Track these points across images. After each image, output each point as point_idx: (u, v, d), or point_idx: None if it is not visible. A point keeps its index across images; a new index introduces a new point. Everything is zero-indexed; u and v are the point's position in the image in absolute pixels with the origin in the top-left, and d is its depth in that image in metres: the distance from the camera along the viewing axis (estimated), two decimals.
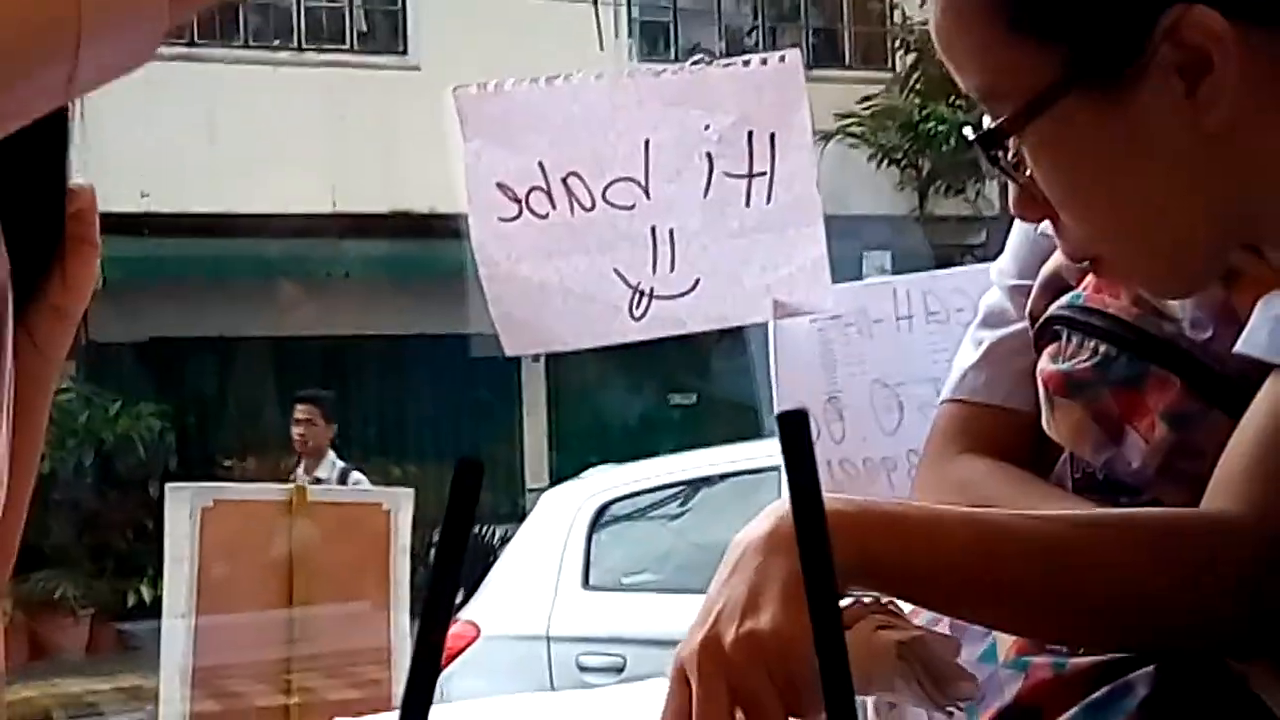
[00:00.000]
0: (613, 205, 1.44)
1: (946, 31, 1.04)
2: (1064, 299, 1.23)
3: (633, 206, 1.45)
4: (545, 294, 1.45)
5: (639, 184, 1.44)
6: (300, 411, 7.69)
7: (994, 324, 1.34)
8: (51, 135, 1.01)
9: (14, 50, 0.68)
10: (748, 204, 1.45)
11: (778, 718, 0.99)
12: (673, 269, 1.44)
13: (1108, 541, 1.08)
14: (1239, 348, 1.10)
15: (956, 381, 1.35)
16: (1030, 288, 1.29)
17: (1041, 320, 1.25)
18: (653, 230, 1.44)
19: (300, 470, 7.47)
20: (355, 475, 7.35)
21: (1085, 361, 1.19)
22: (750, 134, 1.44)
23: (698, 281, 1.44)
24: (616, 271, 1.45)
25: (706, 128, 1.45)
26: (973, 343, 1.34)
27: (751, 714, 1.00)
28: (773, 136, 1.44)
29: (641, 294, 1.44)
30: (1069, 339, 1.21)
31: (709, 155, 1.45)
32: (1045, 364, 1.23)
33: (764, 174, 1.45)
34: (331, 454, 7.55)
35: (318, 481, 7.04)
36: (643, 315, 1.44)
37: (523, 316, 1.45)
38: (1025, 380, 1.28)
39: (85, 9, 0.68)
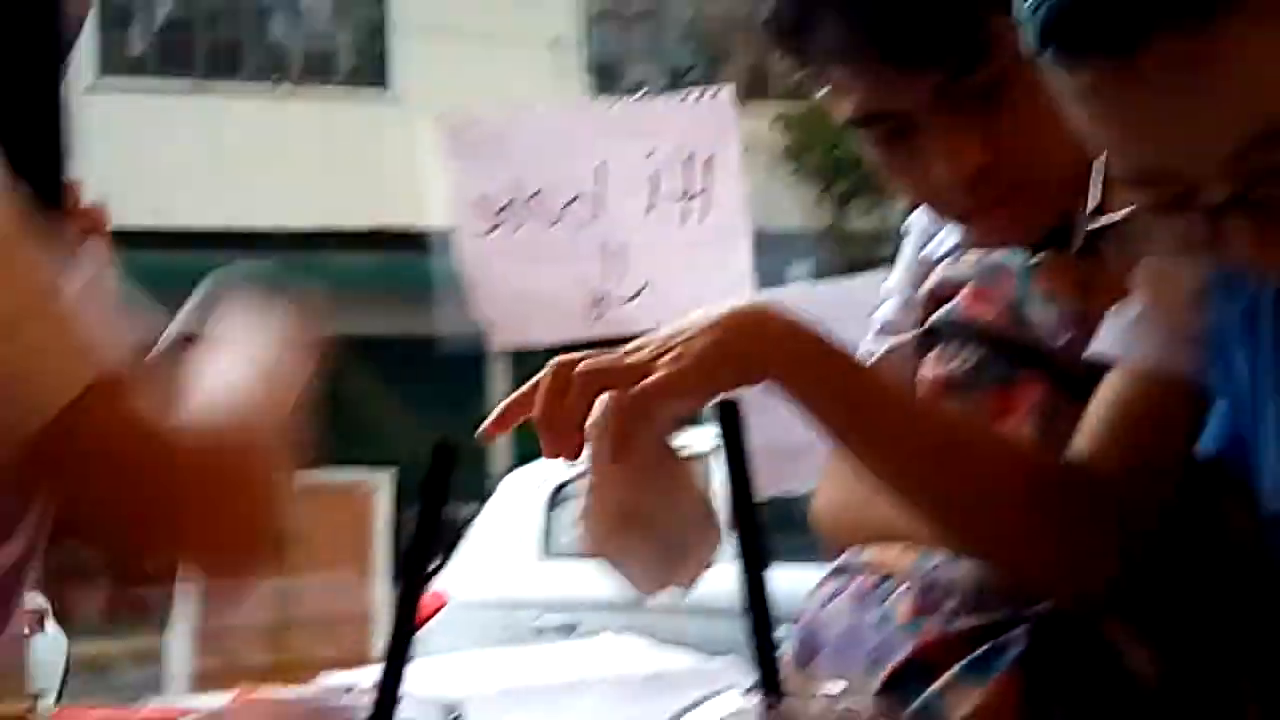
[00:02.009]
0: (573, 221, 1.44)
1: None
2: (943, 310, 1.24)
3: (590, 220, 1.44)
4: (521, 297, 1.45)
5: (595, 202, 1.44)
6: None
7: (887, 333, 1.34)
8: (49, 146, 1.01)
9: None
10: (683, 222, 1.45)
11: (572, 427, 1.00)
12: (623, 277, 1.44)
13: (997, 450, 1.10)
14: (1093, 349, 1.12)
15: None
16: (915, 301, 1.30)
17: (924, 329, 1.26)
18: (605, 244, 1.44)
19: None
20: None
21: (962, 365, 1.20)
22: (689, 158, 1.44)
23: (643, 288, 1.44)
24: (578, 279, 1.44)
25: (650, 154, 1.45)
26: (867, 353, 1.34)
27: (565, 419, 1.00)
28: (708, 161, 1.44)
29: (598, 299, 1.44)
30: (948, 345, 1.22)
31: (651, 178, 1.45)
32: (928, 368, 1.23)
33: (699, 194, 1.45)
34: None
35: None
36: (599, 317, 1.44)
37: (502, 317, 1.45)
38: (913, 384, 1.28)
39: None
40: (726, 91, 1.48)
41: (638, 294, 1.45)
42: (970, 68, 1.10)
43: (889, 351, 1.32)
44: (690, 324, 1.05)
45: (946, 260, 1.27)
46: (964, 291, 1.22)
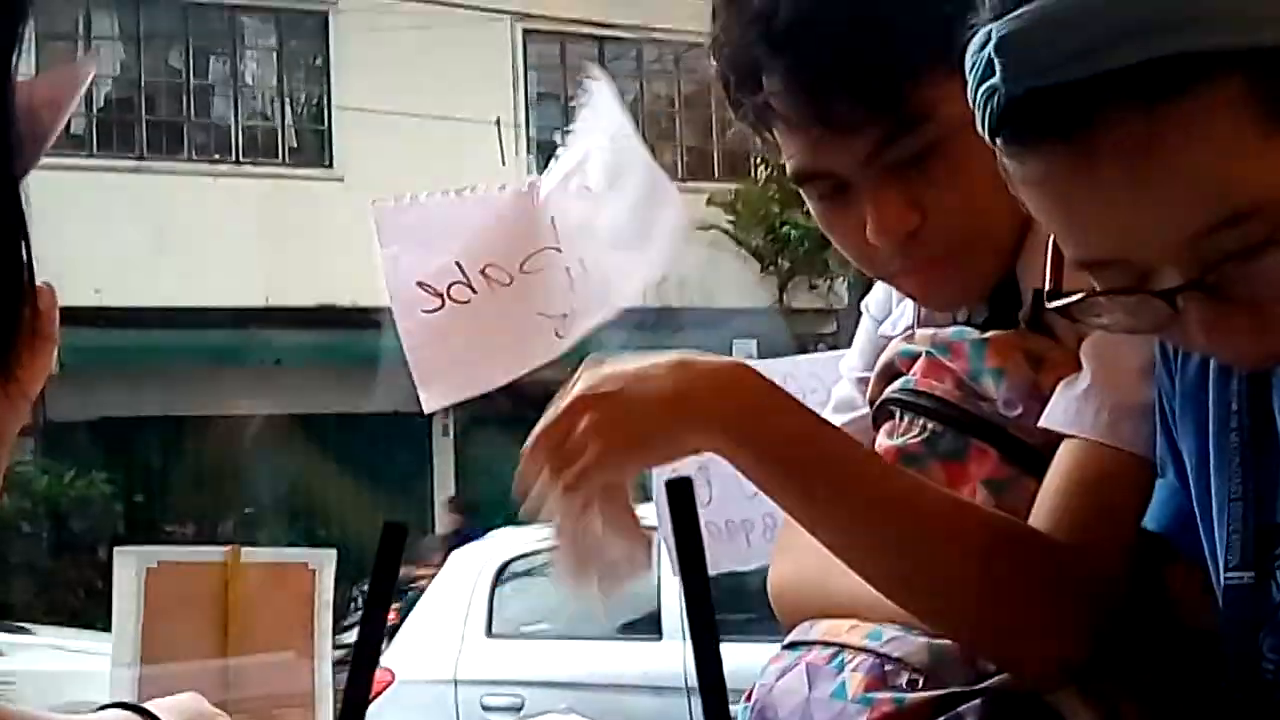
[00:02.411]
0: (529, 272, 1.45)
1: None
2: (897, 383, 1.25)
3: (549, 263, 1.45)
4: (468, 356, 1.45)
5: (552, 248, 1.45)
6: None
7: (843, 409, 1.35)
8: (7, 238, 0.98)
9: None
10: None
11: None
12: (586, 284, 1.45)
13: (955, 513, 1.10)
14: (1043, 422, 1.12)
15: None
16: (871, 378, 1.31)
17: (879, 403, 1.27)
18: (566, 269, 1.45)
19: None
20: None
21: (915, 437, 1.21)
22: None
23: (609, 279, 1.45)
24: (540, 314, 1.45)
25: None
26: None
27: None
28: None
29: (563, 316, 1.45)
30: (901, 418, 1.23)
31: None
32: (881, 439, 1.24)
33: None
34: None
35: None
36: (566, 333, 1.45)
37: (444, 375, 1.45)
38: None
39: None
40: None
41: (594, 302, 1.46)
42: (901, 133, 1.13)
43: (844, 428, 1.33)
44: (631, 380, 1.07)
45: (901, 336, 1.29)
46: (917, 365, 1.23)
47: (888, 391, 1.25)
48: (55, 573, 11.59)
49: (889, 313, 1.34)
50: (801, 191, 1.21)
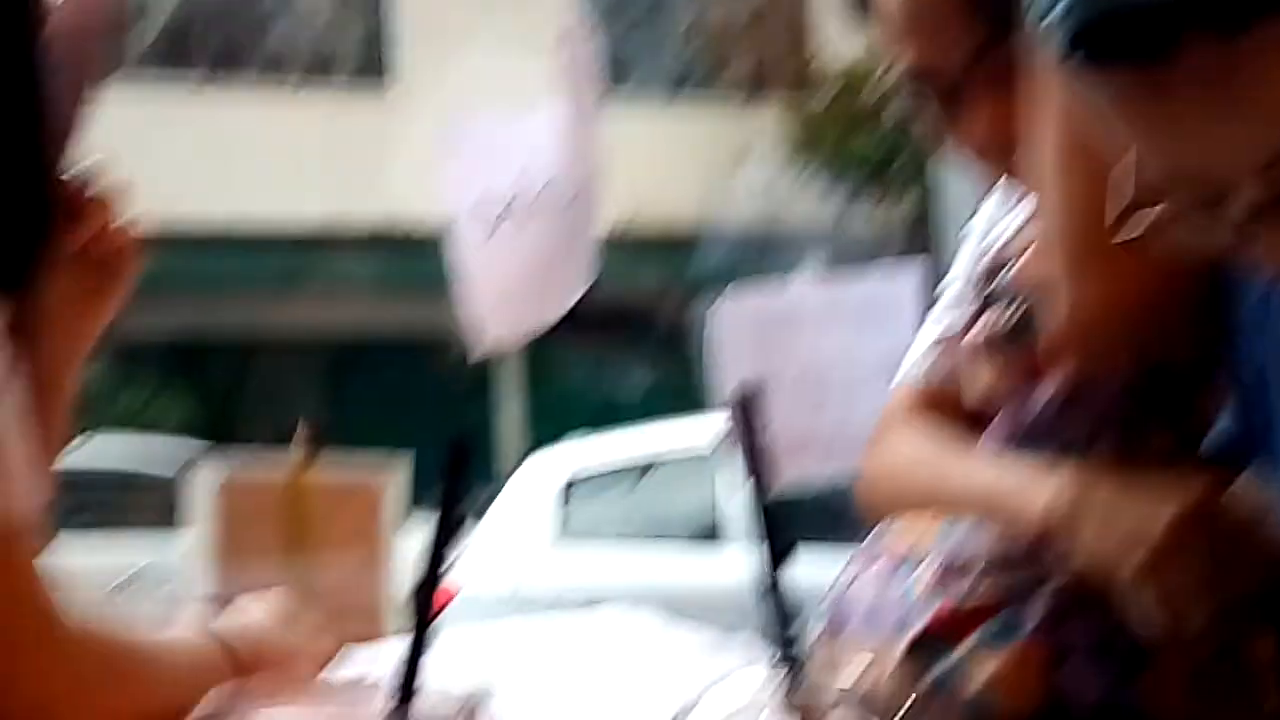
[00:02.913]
0: (578, 201, 1.45)
1: None
2: (996, 278, 1.27)
3: (590, 191, 1.45)
4: (520, 293, 1.44)
5: (596, 176, 1.45)
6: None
7: (938, 322, 1.39)
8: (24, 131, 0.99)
9: None
10: None
11: None
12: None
13: None
14: None
15: (905, 370, 1.40)
16: (969, 293, 1.34)
17: (977, 298, 1.29)
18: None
19: None
20: None
21: (1005, 325, 1.23)
22: None
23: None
24: (584, 245, 1.45)
25: None
26: (920, 340, 1.39)
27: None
28: None
29: (600, 245, 1.45)
30: (996, 307, 1.25)
31: None
32: (977, 329, 1.26)
33: None
34: None
35: None
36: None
37: (495, 316, 1.45)
38: (961, 366, 1.32)
39: None
40: None
41: (624, 219, 1.46)
42: (1008, 35, 1.14)
43: (938, 339, 1.36)
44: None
45: (1004, 240, 1.31)
46: (1018, 259, 1.25)
47: (988, 289, 1.28)
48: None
49: (995, 222, 1.37)
50: (913, 93, 1.24)
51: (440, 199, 1.45)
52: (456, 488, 0.59)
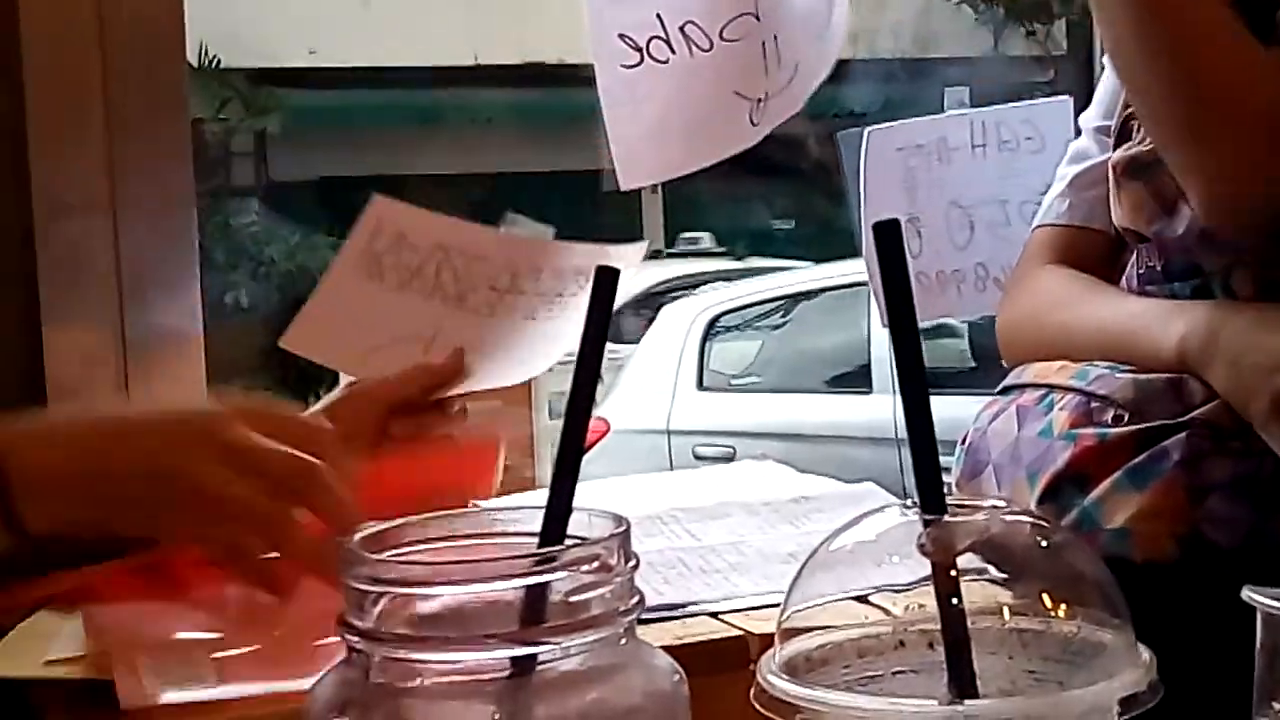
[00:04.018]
0: (729, 40, 1.43)
1: None
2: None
3: (747, 33, 1.43)
4: (665, 128, 1.44)
5: (752, 15, 1.43)
6: None
7: (1077, 160, 1.36)
8: None
9: None
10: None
11: None
12: (779, 67, 1.43)
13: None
14: None
15: (1045, 209, 1.38)
16: (1109, 123, 1.31)
17: (1117, 128, 1.27)
18: (763, 45, 1.43)
19: None
20: None
21: (1144, 153, 1.20)
22: None
23: (796, 68, 1.43)
24: (736, 93, 1.43)
25: None
26: (1059, 178, 1.36)
27: None
28: None
29: (759, 100, 1.43)
30: (1136, 131, 1.22)
31: None
32: (1116, 154, 1.24)
33: None
34: None
35: None
36: (760, 119, 1.44)
37: (642, 151, 1.45)
38: (1101, 206, 1.30)
39: None
40: None
41: (790, 80, 1.44)
42: None
43: (1078, 177, 1.34)
44: None
45: None
46: None
47: (1128, 112, 1.25)
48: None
49: None
50: None
51: (585, 33, 1.45)
52: (602, 318, 0.60)
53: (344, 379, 1.36)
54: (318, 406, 1.27)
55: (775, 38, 1.43)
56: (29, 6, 1.41)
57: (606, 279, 0.60)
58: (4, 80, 1.40)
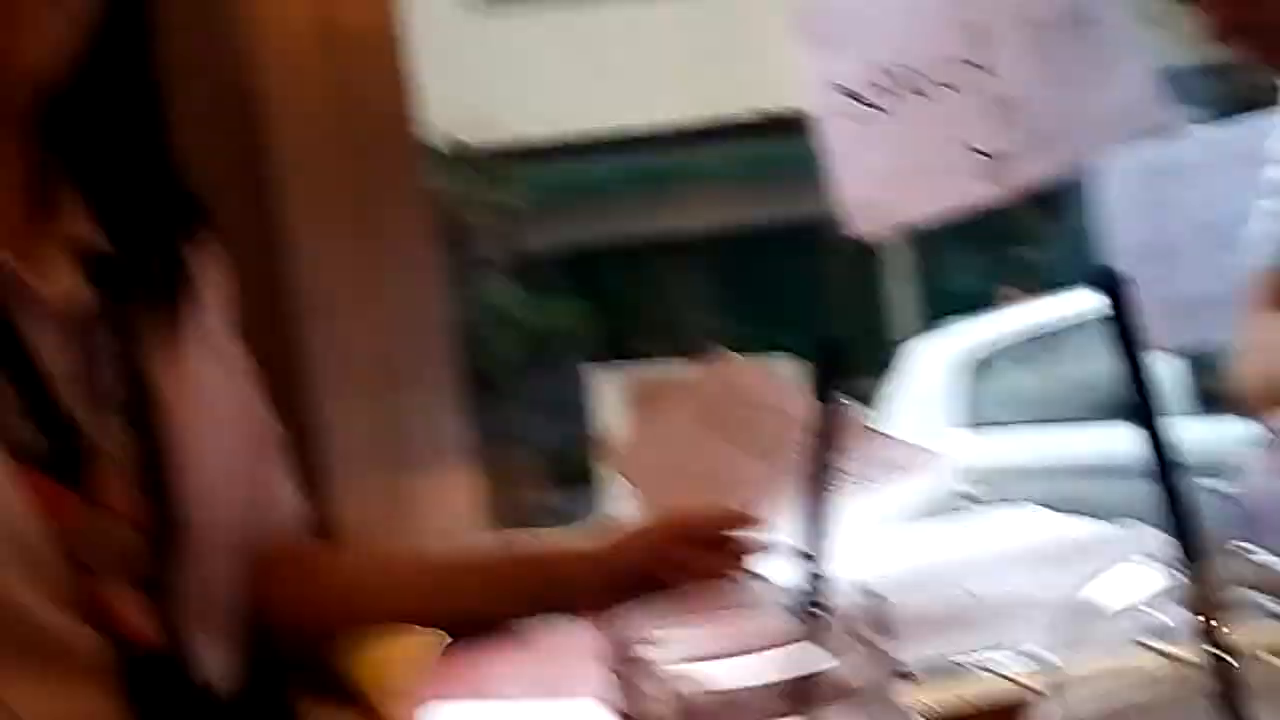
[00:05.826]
0: (949, 86, 1.40)
1: None
2: None
3: (969, 82, 1.40)
4: (894, 176, 1.42)
5: (970, 62, 1.40)
6: None
7: (1273, 193, 1.29)
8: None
9: None
10: (1068, 54, 1.37)
11: None
12: (1012, 128, 1.39)
13: None
14: None
15: (1257, 248, 1.31)
16: None
17: None
18: (993, 97, 1.39)
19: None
20: None
21: None
22: None
23: (1035, 133, 1.38)
24: (964, 143, 1.40)
25: None
26: (1266, 213, 1.29)
27: None
28: None
29: (988, 156, 1.40)
30: None
31: (1026, 20, 1.38)
32: None
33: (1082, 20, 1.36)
34: None
35: None
36: (998, 178, 1.40)
37: (872, 199, 1.43)
38: None
39: None
40: None
41: (1031, 145, 1.39)
42: None
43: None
44: None
45: None
46: None
47: None
48: (535, 394, 12.27)
49: None
50: None
51: (803, 82, 1.44)
52: (830, 387, 0.60)
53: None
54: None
55: (1004, 96, 1.39)
56: (273, 113, 1.50)
57: (831, 350, 0.60)
58: (255, 184, 1.49)
